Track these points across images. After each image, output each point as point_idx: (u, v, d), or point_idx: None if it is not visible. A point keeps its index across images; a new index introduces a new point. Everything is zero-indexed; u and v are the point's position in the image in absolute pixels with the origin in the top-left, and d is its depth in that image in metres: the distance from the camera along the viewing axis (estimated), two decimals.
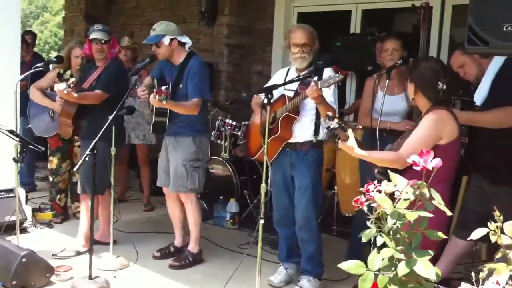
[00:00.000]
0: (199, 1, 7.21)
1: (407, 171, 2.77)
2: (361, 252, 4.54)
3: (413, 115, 4.18)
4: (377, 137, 4.05)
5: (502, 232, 1.51)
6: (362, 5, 6.38)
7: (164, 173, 4.56)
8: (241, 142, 5.94)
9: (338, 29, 6.49)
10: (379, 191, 1.63)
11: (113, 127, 4.22)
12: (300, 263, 4.22)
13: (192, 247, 4.57)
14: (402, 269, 1.46)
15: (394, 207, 1.56)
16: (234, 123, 6.00)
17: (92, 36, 4.63)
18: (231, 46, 7.09)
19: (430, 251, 1.51)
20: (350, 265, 1.59)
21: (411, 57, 4.82)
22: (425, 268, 1.45)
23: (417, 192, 1.55)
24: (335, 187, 5.33)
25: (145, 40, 4.40)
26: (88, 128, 4.63)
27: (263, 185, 3.47)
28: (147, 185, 6.27)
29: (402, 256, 1.49)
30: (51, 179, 5.45)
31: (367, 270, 1.57)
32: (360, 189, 1.78)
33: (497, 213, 1.53)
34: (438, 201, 1.53)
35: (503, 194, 3.40)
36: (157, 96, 3.91)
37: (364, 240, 1.61)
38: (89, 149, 3.88)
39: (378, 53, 5.18)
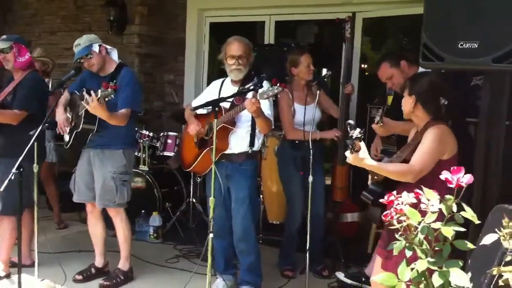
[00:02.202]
0: (106, 10, 6.99)
1: (409, 184, 2.83)
2: (293, 259, 4.69)
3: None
4: (311, 147, 4.17)
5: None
6: (275, 17, 6.54)
7: (86, 188, 4.33)
8: (161, 153, 5.85)
9: (251, 39, 6.56)
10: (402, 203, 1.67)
11: (36, 144, 3.97)
12: (239, 274, 4.24)
13: (122, 265, 4.42)
14: (437, 280, 1.52)
15: (422, 220, 1.62)
16: (151, 134, 5.89)
17: None
18: (142, 55, 6.97)
19: (460, 261, 1.59)
20: (383, 278, 1.62)
21: (331, 69, 5.05)
22: (460, 277, 1.53)
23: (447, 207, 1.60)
24: (261, 195, 5.38)
25: (76, 56, 4.19)
26: (5, 145, 4.33)
27: (211, 198, 3.45)
28: (56, 202, 6.00)
29: (435, 267, 1.55)
30: None
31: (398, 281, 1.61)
32: (381, 200, 1.81)
33: (505, 219, 1.65)
34: (471, 214, 1.61)
35: None
36: (99, 93, 3.70)
37: (395, 253, 1.65)
38: (15, 168, 3.62)
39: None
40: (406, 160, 2.98)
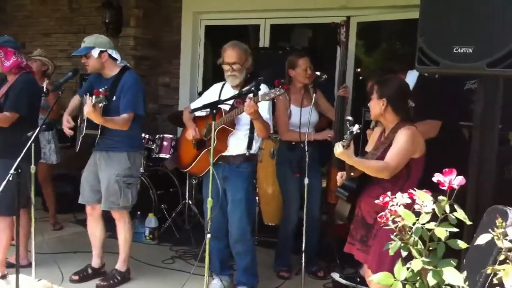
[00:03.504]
0: (101, 12, 7.03)
1: (382, 181, 3.03)
2: (288, 260, 4.73)
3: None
4: (306, 149, 4.22)
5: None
6: (270, 20, 6.59)
7: (90, 190, 4.38)
8: (157, 155, 5.89)
9: (246, 43, 6.60)
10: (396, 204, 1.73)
11: (33, 145, 4.00)
12: (235, 274, 4.28)
13: (120, 266, 4.45)
14: (431, 279, 1.58)
15: (417, 221, 1.67)
16: (147, 136, 5.92)
17: None
18: (138, 58, 6.98)
19: (453, 260, 1.65)
20: (380, 277, 1.67)
21: (326, 73, 5.07)
22: (454, 276, 1.59)
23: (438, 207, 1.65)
24: (257, 197, 5.41)
25: (75, 52, 4.29)
26: (0, 146, 4.35)
27: (209, 199, 3.50)
28: (53, 203, 6.02)
29: (430, 267, 1.61)
30: None
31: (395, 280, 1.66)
32: (376, 201, 1.86)
33: (499, 220, 1.71)
34: (462, 215, 1.66)
35: None
36: (93, 99, 3.75)
37: (391, 253, 1.70)
38: (13, 169, 3.65)
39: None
40: (380, 158, 3.11)
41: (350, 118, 2.79)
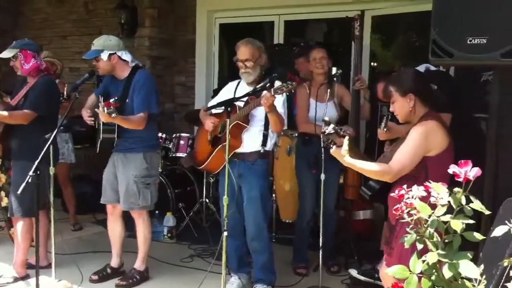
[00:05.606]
0: (117, 13, 7.07)
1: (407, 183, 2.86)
2: (306, 256, 4.72)
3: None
4: (322, 144, 4.19)
5: None
6: (284, 16, 6.58)
7: (111, 190, 4.41)
8: (174, 155, 5.91)
9: (261, 40, 6.61)
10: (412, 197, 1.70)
11: (51, 146, 4.03)
12: (252, 272, 4.28)
13: (139, 265, 4.48)
14: (447, 272, 1.56)
15: (432, 213, 1.64)
16: (164, 135, 5.94)
17: None
18: (153, 58, 7.03)
19: (469, 253, 1.62)
20: (395, 270, 1.66)
21: (341, 68, 5.04)
22: (470, 269, 1.57)
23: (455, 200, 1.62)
24: (273, 195, 5.42)
25: (84, 56, 4.32)
26: (19, 148, 4.40)
27: (225, 197, 3.50)
28: (72, 204, 6.06)
29: (446, 259, 1.58)
30: None
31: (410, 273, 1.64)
32: (392, 194, 1.84)
33: None
34: (479, 206, 1.63)
35: None
36: (105, 109, 3.79)
37: (406, 246, 1.68)
38: (32, 170, 3.68)
39: (299, 63, 5.43)
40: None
41: (326, 118, 2.70)
